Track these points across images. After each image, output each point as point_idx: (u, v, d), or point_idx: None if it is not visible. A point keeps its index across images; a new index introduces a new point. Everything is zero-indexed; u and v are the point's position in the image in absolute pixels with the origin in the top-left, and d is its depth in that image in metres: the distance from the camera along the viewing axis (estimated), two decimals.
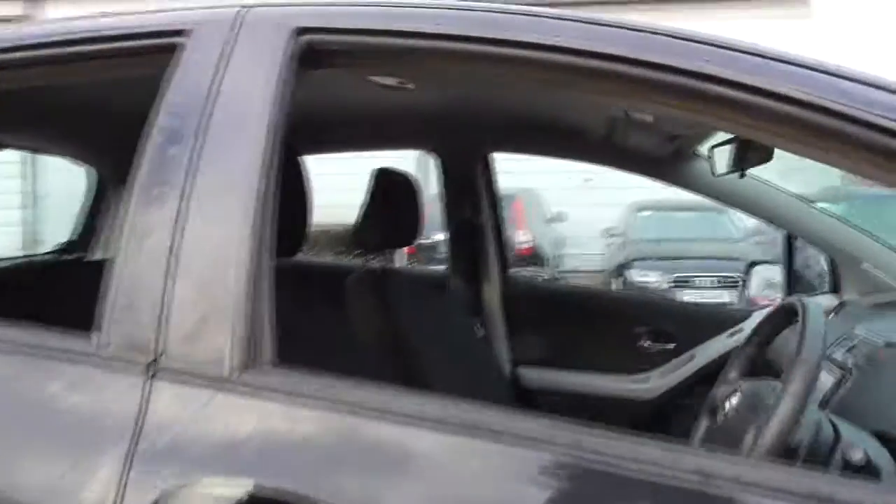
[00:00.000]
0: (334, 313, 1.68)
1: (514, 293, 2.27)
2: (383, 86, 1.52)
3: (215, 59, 1.00)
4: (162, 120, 0.99)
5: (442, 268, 2.62)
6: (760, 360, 1.29)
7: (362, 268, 1.82)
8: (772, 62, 0.86)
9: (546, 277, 7.48)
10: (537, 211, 8.70)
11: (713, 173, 1.57)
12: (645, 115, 1.53)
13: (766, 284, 2.22)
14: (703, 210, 8.13)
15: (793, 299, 1.14)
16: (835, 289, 1.97)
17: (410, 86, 1.55)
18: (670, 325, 2.16)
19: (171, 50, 1.03)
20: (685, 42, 0.88)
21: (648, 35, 0.90)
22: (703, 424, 1.27)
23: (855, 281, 1.91)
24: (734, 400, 1.13)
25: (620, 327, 2.20)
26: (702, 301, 6.71)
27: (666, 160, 1.91)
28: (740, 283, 6.88)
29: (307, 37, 0.99)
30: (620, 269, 7.73)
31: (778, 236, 6.93)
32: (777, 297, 2.28)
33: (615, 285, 7.64)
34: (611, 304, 2.29)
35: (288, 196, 0.98)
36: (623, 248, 8.09)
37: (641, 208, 8.49)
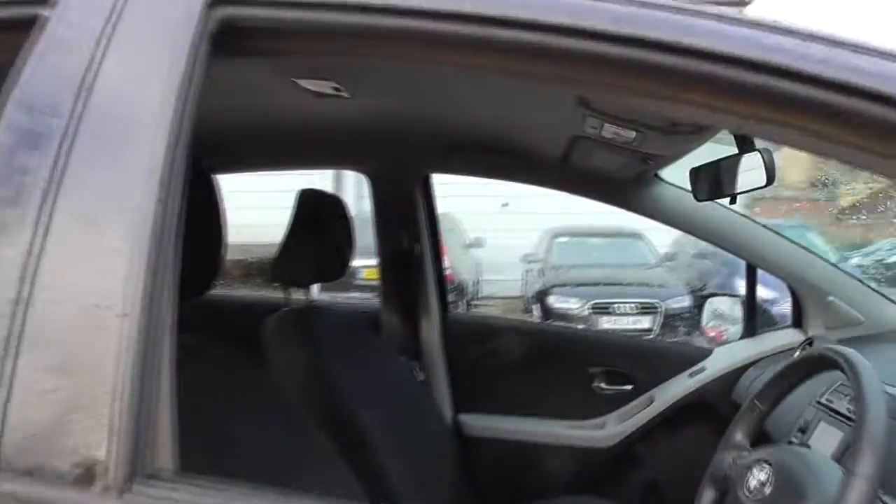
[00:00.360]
0: (249, 361, 1.38)
1: (455, 331, 2.04)
2: (315, 93, 1.27)
3: (92, 37, 0.72)
4: (13, 118, 0.70)
5: (368, 297, 2.34)
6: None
7: (283, 305, 1.54)
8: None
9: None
10: (455, 236, 8.55)
11: (696, 197, 1.40)
12: (608, 133, 1.34)
13: (714, 315, 2.06)
14: (618, 236, 8.27)
15: (826, 348, 0.96)
16: (798, 323, 1.85)
17: (346, 94, 1.31)
18: (626, 364, 1.98)
19: (30, 24, 0.74)
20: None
21: None
22: (709, 496, 1.06)
23: (821, 314, 1.78)
24: (761, 474, 0.93)
25: (573, 368, 2.00)
26: (637, 331, 6.72)
27: (626, 184, 1.74)
28: (659, 308, 6.93)
29: (223, 9, 0.72)
30: (539, 296, 7.66)
31: (694, 262, 7.04)
32: (726, 330, 2.14)
33: (535, 312, 7.56)
34: (562, 342, 2.09)
35: (197, 222, 0.76)
36: (541, 274, 8.03)
37: (558, 234, 8.50)
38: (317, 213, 1.52)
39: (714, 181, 1.28)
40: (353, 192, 5.04)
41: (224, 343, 1.16)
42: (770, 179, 1.15)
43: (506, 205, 9.52)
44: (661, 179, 1.75)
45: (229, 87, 0.85)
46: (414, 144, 1.79)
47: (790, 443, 1.07)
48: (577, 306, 7.16)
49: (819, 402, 1.27)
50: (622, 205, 1.79)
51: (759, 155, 1.15)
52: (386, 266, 2.03)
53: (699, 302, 7.20)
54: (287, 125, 1.60)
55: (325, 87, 1.26)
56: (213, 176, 1.04)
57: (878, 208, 9.24)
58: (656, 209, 1.76)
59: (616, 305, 7.08)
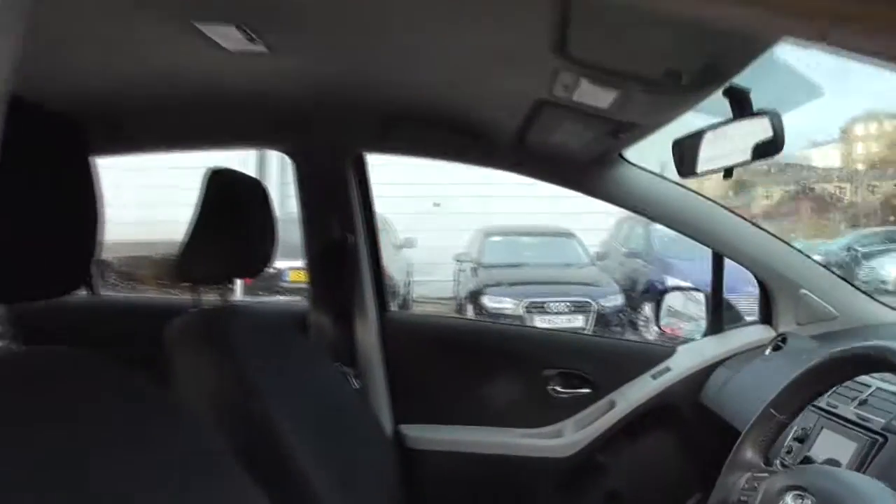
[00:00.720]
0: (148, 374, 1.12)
1: (395, 333, 1.81)
2: (225, 49, 1.02)
3: None
4: None
5: (297, 300, 2.09)
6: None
7: (193, 306, 1.27)
8: None
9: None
10: (386, 237, 8.29)
11: (679, 173, 1.21)
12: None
13: (672, 311, 1.91)
14: (551, 235, 8.23)
15: (873, 345, 0.78)
16: (766, 318, 1.71)
17: (262, 46, 1.07)
18: (584, 365, 1.80)
19: None
20: None
21: None
22: None
23: (792, 309, 1.65)
24: None
25: (526, 371, 1.81)
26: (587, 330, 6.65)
27: (588, 166, 1.55)
28: (592, 307, 6.88)
29: None
30: (473, 296, 7.50)
31: (626, 261, 7.06)
32: (685, 326, 1.99)
33: (469, 313, 7.40)
34: (513, 342, 1.89)
35: (65, 207, 0.68)
36: (474, 274, 7.88)
37: (491, 234, 8.38)
38: (230, 198, 1.27)
39: (702, 154, 1.10)
40: (278, 184, 4.65)
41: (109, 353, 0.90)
42: (779, 145, 0.98)
43: (437, 205, 9.36)
44: (627, 160, 1.57)
45: (112, 38, 0.61)
46: (345, 117, 1.55)
47: (807, 459, 0.90)
48: (511, 306, 7.04)
49: (819, 408, 1.11)
50: (583, 188, 1.60)
51: (766, 119, 0.98)
52: (314, 260, 1.77)
53: (634, 300, 7.22)
54: (191, 91, 1.34)
55: (236, 37, 1.01)
56: (90, 155, 0.78)
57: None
58: (620, 193, 1.59)
59: (550, 304, 6.99)
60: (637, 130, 1.23)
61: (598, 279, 7.43)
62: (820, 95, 1.25)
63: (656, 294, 6.97)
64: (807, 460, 0.89)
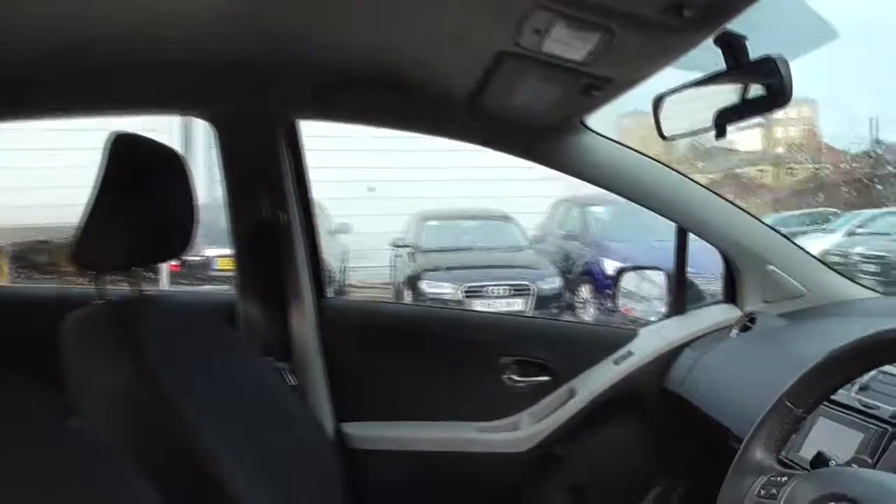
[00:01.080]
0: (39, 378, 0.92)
1: (334, 322, 1.63)
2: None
3: None
4: None
5: (224, 289, 1.88)
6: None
7: (98, 297, 1.07)
8: None
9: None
10: (320, 222, 8.01)
11: (661, 135, 1.08)
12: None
13: (631, 291, 1.80)
14: (488, 219, 8.16)
15: None
16: (731, 297, 1.62)
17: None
18: (541, 352, 1.67)
19: None
20: None
21: None
22: None
23: (759, 287, 1.56)
24: None
25: (479, 359, 1.66)
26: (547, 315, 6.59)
27: (547, 133, 1.41)
28: (531, 290, 6.83)
29: None
30: (411, 282, 7.35)
31: (563, 243, 7.06)
32: (641, 308, 1.88)
33: (408, 298, 7.24)
34: (465, 329, 1.74)
35: None
36: (412, 259, 7.73)
37: (428, 218, 8.24)
38: (138, 168, 1.07)
39: (690, 111, 0.97)
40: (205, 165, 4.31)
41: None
42: (787, 94, 0.85)
43: (372, 189, 9.18)
44: (588, 128, 1.44)
45: None
46: (277, 79, 1.36)
47: (821, 457, 0.77)
48: (449, 291, 6.93)
49: None
50: (540, 158, 1.46)
51: (770, 65, 0.85)
52: (242, 242, 1.58)
53: (572, 282, 7.22)
54: (102, 50, 1.14)
55: None
56: None
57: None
58: (581, 163, 1.46)
59: (489, 288, 6.91)
60: (611, 87, 1.09)
61: (535, 262, 7.40)
62: (835, 37, 1.13)
63: (594, 276, 7.00)
64: (820, 458, 0.77)
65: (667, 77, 1.08)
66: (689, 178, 1.53)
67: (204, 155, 4.60)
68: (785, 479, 0.72)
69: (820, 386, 0.75)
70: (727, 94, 0.91)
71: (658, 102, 1.06)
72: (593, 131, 1.44)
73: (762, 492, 0.72)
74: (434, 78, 1.26)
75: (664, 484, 1.61)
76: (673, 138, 1.07)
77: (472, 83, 1.22)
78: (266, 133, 1.50)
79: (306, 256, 1.61)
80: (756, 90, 0.87)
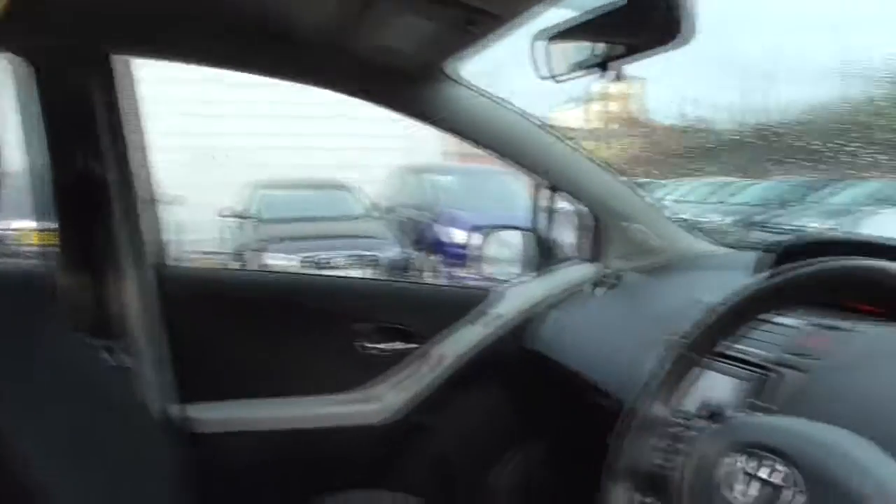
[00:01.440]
0: None
1: (172, 292, 1.43)
2: None
3: None
4: None
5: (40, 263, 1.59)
6: None
7: None
8: None
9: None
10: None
11: (540, 73, 0.99)
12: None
13: (496, 252, 1.74)
14: (325, 188, 7.93)
15: (856, 263, 0.61)
16: (595, 255, 1.61)
17: None
18: (400, 316, 1.57)
19: None
20: None
21: None
22: None
23: (622, 244, 1.56)
24: (776, 479, 0.57)
25: (332, 327, 1.54)
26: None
27: (408, 80, 1.31)
28: (372, 259, 6.72)
29: None
30: (245, 253, 6.97)
31: (402, 211, 6.99)
32: (508, 267, 1.82)
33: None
34: (317, 296, 1.59)
35: None
36: (252, 229, 7.32)
37: (263, 187, 7.84)
38: None
39: (576, 49, 0.90)
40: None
41: None
42: (675, 28, 0.79)
43: (211, 157, 8.63)
44: (450, 77, 1.35)
45: None
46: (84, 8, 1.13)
47: (754, 407, 0.73)
48: (286, 262, 6.64)
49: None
50: (404, 107, 1.35)
51: None
52: (61, 202, 1.32)
53: (413, 250, 7.21)
54: None
55: None
56: None
57: None
58: (448, 114, 1.37)
59: (331, 259, 6.72)
60: (487, 21, 0.99)
61: (375, 231, 7.29)
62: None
63: (442, 245, 7.02)
64: (709, 407, 0.74)
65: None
66: (556, 134, 1.49)
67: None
68: (687, 431, 0.68)
69: (725, 331, 0.72)
70: (616, 30, 0.85)
71: (537, 41, 0.98)
72: (456, 80, 1.35)
73: (664, 446, 0.68)
74: (276, 21, 1.10)
75: (532, 444, 1.60)
76: (552, 78, 1.00)
77: (332, 17, 1.08)
78: (76, 69, 1.25)
79: (130, 216, 1.38)
80: (655, 21, 0.82)
